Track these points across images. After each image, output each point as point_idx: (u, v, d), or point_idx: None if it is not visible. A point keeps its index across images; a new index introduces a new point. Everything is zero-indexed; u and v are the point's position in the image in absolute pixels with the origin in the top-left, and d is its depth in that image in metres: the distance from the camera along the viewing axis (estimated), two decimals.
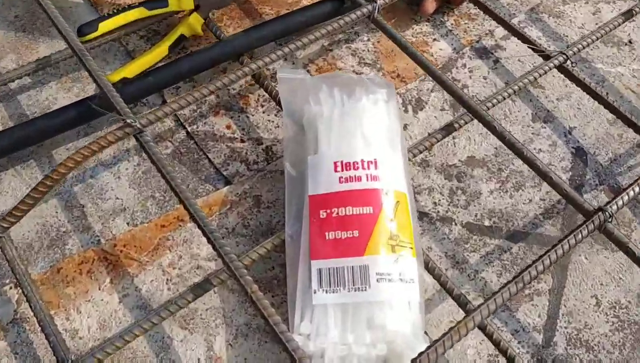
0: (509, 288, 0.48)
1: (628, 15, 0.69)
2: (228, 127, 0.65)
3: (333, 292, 0.49)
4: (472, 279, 0.58)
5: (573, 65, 0.66)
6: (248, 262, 0.52)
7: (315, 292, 0.49)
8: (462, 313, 0.55)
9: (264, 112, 0.67)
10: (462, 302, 0.51)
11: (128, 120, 0.53)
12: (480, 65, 0.72)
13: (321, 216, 0.52)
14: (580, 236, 0.51)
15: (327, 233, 0.51)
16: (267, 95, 0.67)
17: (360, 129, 0.55)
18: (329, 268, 0.50)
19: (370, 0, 0.65)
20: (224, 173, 0.62)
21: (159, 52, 0.66)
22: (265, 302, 0.47)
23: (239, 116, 0.66)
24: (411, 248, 0.52)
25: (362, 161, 0.53)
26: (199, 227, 0.50)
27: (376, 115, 0.56)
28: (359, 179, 0.52)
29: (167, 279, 0.55)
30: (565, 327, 0.56)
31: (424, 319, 0.51)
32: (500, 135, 0.57)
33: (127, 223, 0.58)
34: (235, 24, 0.73)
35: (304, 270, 0.51)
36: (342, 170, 0.53)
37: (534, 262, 0.49)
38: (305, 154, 0.55)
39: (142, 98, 0.63)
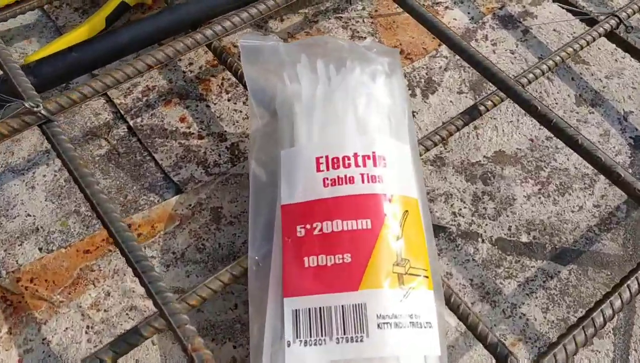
0: (573, 337, 0.32)
1: None
2: (182, 119, 0.50)
3: (315, 344, 0.34)
4: (509, 316, 0.42)
5: (628, 30, 0.51)
6: (195, 301, 0.36)
7: (289, 345, 0.34)
8: None
9: (229, 100, 0.52)
10: (500, 355, 0.35)
11: (26, 105, 0.38)
12: (505, 37, 0.57)
13: (298, 234, 0.36)
14: None
15: (306, 259, 0.36)
16: (233, 79, 0.52)
17: (353, 111, 0.40)
18: (309, 309, 0.35)
19: None
20: (175, 179, 0.47)
21: (93, 25, 0.51)
22: None
23: (197, 106, 0.51)
24: (426, 277, 0.36)
25: (356, 155, 0.38)
26: (121, 251, 0.35)
27: (375, 93, 0.41)
28: (352, 180, 0.37)
29: (88, 326, 0.40)
30: None
31: None
32: (545, 118, 0.42)
33: (40, 249, 0.43)
34: None
35: (275, 313, 0.36)
36: (328, 169, 0.38)
37: (609, 292, 0.34)
38: (278, 148, 0.40)
39: (65, 81, 0.47)
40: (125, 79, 0.41)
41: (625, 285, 0.34)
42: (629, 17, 0.51)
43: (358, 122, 0.39)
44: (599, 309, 0.32)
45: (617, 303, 0.33)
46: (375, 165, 0.38)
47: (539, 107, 0.42)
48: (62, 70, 0.46)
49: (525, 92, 0.43)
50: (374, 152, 0.38)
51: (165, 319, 0.33)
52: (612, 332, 0.42)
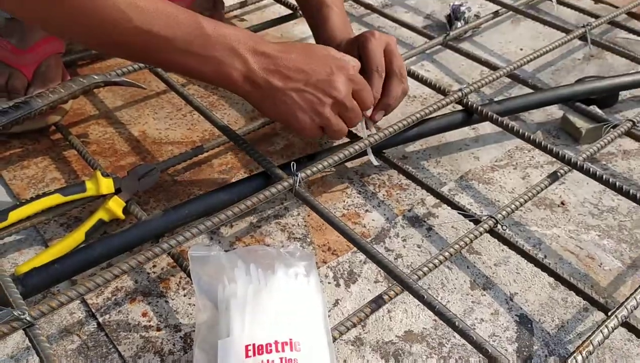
0: None
1: (553, 177, 0.69)
2: (144, 314, 0.60)
3: None
4: None
5: (504, 228, 0.64)
6: None
7: None
8: None
9: (184, 295, 0.62)
10: None
11: (15, 313, 0.48)
12: (413, 234, 0.70)
13: None
14: None
15: None
16: (189, 278, 0.63)
17: (275, 307, 0.50)
18: None
19: (292, 173, 0.64)
20: None
21: (75, 238, 0.63)
22: None
23: (157, 302, 0.61)
24: None
25: (276, 342, 0.48)
26: None
27: (294, 290, 0.52)
28: None
29: None
30: None
31: None
32: (430, 305, 0.53)
33: None
34: (162, 206, 0.72)
35: None
36: (255, 355, 0.47)
37: None
38: (217, 338, 0.50)
39: (48, 288, 0.58)
40: (95, 287, 0.51)
41: None
42: (504, 217, 0.64)
43: (279, 315, 0.50)
44: None
45: None
46: (292, 350, 0.48)
47: (425, 296, 0.53)
48: (46, 280, 0.56)
49: (414, 284, 0.54)
50: (290, 339, 0.48)
51: None
52: None
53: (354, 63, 0.66)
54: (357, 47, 0.72)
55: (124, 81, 0.75)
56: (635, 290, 0.54)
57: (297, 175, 0.63)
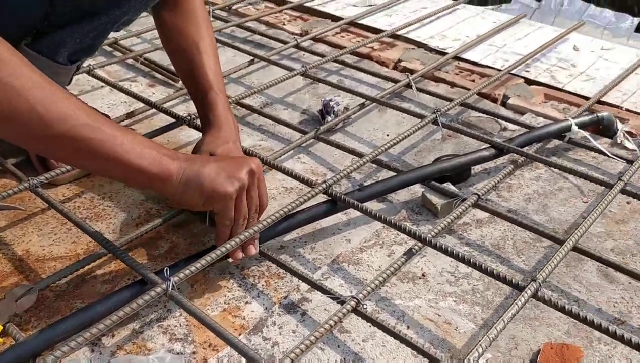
0: None
1: (409, 253, 0.76)
2: None
3: None
4: None
5: (364, 307, 0.70)
6: None
7: None
8: None
9: None
10: None
11: None
12: (289, 320, 0.75)
13: None
14: None
15: None
16: None
17: None
18: None
19: (165, 278, 0.68)
20: None
21: None
22: None
23: None
24: None
25: None
26: None
27: None
28: None
29: None
30: None
31: None
32: None
33: None
34: (44, 323, 0.73)
35: None
36: None
37: None
38: None
39: None
40: None
41: None
42: (364, 297, 0.70)
43: None
44: None
45: None
46: None
47: None
48: None
49: None
50: None
51: None
52: None
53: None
54: None
55: (2, 206, 0.78)
56: (470, 351, 0.61)
57: (169, 280, 0.68)
